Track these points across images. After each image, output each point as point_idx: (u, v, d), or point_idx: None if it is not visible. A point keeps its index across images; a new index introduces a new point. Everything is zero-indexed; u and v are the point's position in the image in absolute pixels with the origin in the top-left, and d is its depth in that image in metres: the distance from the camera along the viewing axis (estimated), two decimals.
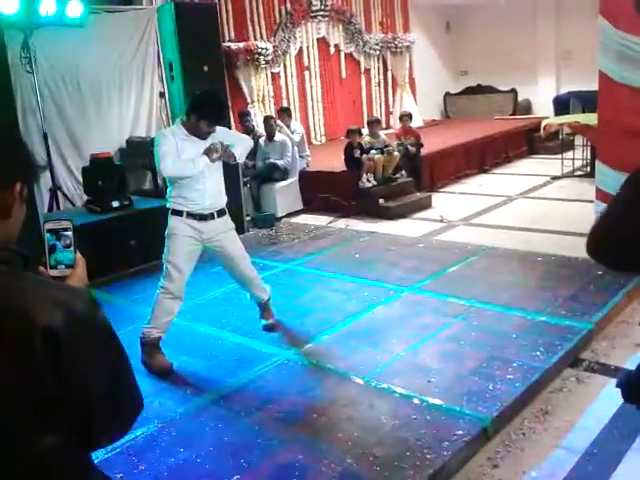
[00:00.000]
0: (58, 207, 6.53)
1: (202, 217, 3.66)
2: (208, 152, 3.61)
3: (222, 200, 3.79)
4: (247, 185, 7.45)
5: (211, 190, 3.67)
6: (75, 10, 6.02)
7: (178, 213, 3.65)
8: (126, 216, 5.75)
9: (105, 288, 5.16)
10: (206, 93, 3.74)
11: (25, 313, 0.97)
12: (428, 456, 2.67)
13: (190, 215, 3.64)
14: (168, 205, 3.72)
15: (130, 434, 2.98)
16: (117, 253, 5.51)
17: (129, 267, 5.57)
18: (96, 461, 2.74)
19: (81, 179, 6.59)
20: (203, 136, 3.63)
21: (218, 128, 3.70)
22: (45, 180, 6.46)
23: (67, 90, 6.82)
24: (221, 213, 3.76)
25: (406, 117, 8.50)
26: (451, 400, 3.07)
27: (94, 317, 1.06)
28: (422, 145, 8.22)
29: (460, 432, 2.82)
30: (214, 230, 3.73)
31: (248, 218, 7.07)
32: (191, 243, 3.68)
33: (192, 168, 3.55)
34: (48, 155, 6.48)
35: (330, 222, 7.18)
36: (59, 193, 6.59)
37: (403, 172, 7.75)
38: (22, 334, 0.95)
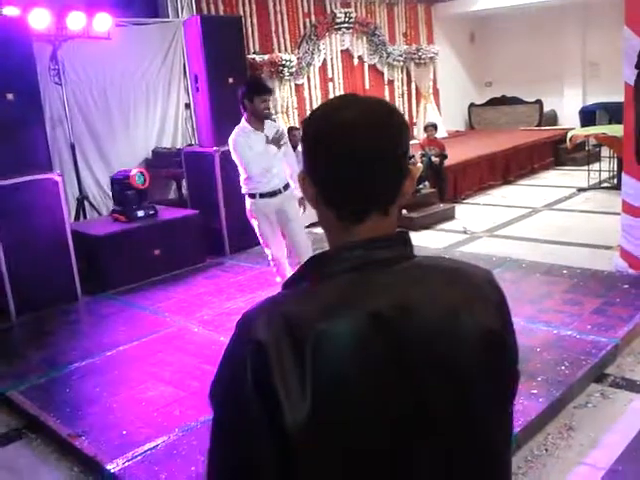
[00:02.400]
0: (85, 216, 6.65)
1: (273, 194, 4.28)
2: (274, 142, 4.19)
3: (285, 176, 4.39)
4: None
5: (277, 172, 4.29)
6: (102, 23, 6.14)
7: (253, 196, 4.28)
8: (151, 226, 5.82)
9: (129, 296, 5.22)
10: (245, 80, 4.48)
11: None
12: None
13: (263, 195, 4.27)
14: (244, 191, 4.35)
15: (151, 442, 3.01)
16: (141, 262, 5.58)
17: (153, 276, 5.62)
18: (116, 469, 2.77)
19: (107, 189, 6.72)
20: (263, 115, 4.24)
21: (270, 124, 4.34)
22: (72, 189, 6.58)
23: (94, 101, 6.95)
24: (286, 187, 4.37)
25: (431, 127, 8.48)
26: None
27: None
28: (446, 156, 8.19)
29: None
30: (282, 201, 4.34)
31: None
32: (268, 217, 4.34)
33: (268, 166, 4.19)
34: (75, 165, 6.60)
35: None
36: (86, 202, 6.70)
37: (426, 183, 7.72)
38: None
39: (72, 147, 6.54)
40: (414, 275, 0.91)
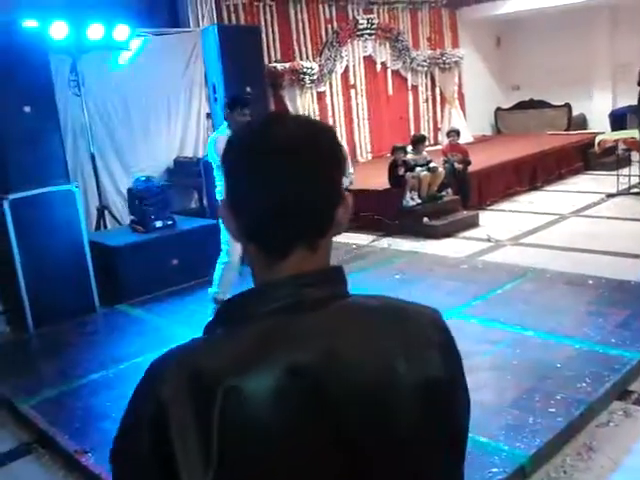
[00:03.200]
0: (105, 226, 6.68)
1: None
2: None
3: None
4: None
5: None
6: (122, 34, 6.18)
7: None
8: (169, 236, 5.81)
9: (146, 307, 5.21)
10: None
11: None
12: None
13: None
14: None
15: None
16: (159, 272, 5.57)
17: (170, 286, 5.61)
18: None
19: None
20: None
21: None
22: (93, 199, 6.62)
23: (115, 111, 6.99)
24: None
25: (453, 133, 8.35)
26: (487, 434, 2.91)
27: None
28: (470, 162, 8.04)
29: (495, 469, 2.67)
30: None
31: None
32: None
33: None
34: (96, 175, 6.64)
35: (372, 241, 7.08)
36: (106, 212, 6.74)
37: (449, 190, 7.59)
38: None
39: (92, 157, 6.58)
40: (345, 318, 0.80)
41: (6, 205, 4.70)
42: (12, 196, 4.73)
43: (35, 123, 4.83)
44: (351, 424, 0.74)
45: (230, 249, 4.60)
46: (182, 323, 4.79)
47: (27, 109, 4.80)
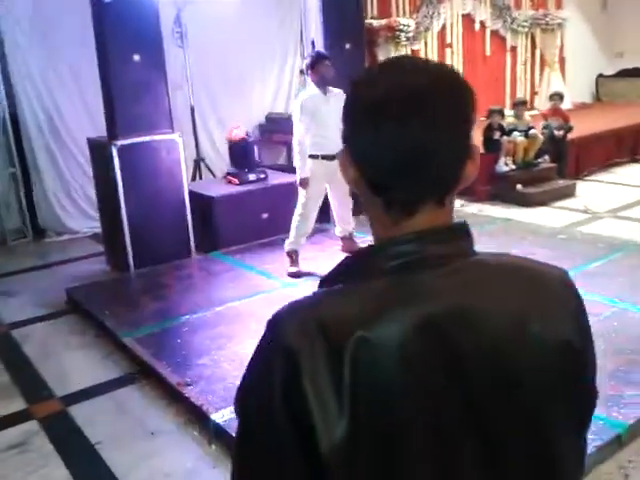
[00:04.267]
0: (200, 177, 6.89)
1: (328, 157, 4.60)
2: None
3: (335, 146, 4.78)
4: None
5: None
6: None
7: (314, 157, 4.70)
8: (261, 190, 5.93)
9: (237, 256, 5.37)
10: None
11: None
12: None
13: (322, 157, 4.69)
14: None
15: None
16: (250, 224, 5.71)
17: (260, 238, 5.74)
18: (221, 420, 2.86)
19: (222, 152, 6.91)
20: (329, 81, 4.66)
21: (338, 92, 4.67)
22: (190, 152, 6.82)
23: (214, 64, 7.10)
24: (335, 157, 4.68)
25: (557, 97, 7.96)
26: None
27: None
28: (571, 128, 7.67)
29: (592, 436, 2.64)
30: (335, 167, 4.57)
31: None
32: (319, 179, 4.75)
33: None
34: (194, 128, 6.83)
35: (461, 206, 6.94)
36: (202, 164, 6.94)
37: (546, 157, 7.31)
38: None
39: (192, 110, 6.75)
40: (474, 275, 0.78)
41: (114, 151, 4.92)
42: (120, 142, 4.95)
43: (143, 72, 4.99)
44: (480, 381, 0.73)
45: (305, 202, 4.79)
46: (271, 273, 4.93)
47: (136, 58, 4.96)
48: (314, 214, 4.91)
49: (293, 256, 4.93)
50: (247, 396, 0.78)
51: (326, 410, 0.68)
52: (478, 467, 0.73)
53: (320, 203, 4.95)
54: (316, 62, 4.70)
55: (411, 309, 0.73)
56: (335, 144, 4.68)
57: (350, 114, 0.80)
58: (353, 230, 5.17)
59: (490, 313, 0.75)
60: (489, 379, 0.73)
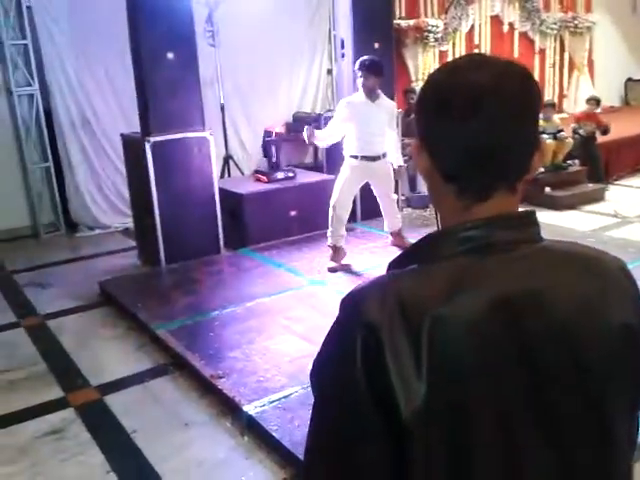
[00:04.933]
0: (229, 174, 6.96)
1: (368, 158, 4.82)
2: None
3: (377, 148, 4.86)
4: (406, 164, 7.39)
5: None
6: None
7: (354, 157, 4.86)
8: (289, 188, 5.98)
9: (266, 253, 5.42)
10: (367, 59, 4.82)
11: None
12: None
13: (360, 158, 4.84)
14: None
15: (285, 390, 3.14)
16: (279, 222, 5.76)
17: (288, 236, 5.78)
18: (254, 412, 2.92)
19: (250, 150, 6.98)
20: (374, 94, 4.78)
21: (387, 103, 4.89)
22: (219, 149, 6.89)
23: (244, 63, 7.17)
24: (376, 158, 4.85)
25: (593, 101, 7.88)
26: None
27: None
28: (608, 130, 7.57)
29: None
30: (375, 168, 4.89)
31: (403, 197, 7.03)
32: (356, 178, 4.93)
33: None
34: (223, 126, 6.89)
35: None
36: (230, 162, 7.01)
37: (576, 160, 7.26)
38: None
39: (222, 108, 6.82)
40: (542, 261, 0.82)
41: (147, 147, 5.00)
42: (153, 138, 5.02)
43: (177, 70, 5.05)
44: (548, 357, 0.77)
45: (338, 197, 4.89)
46: (299, 270, 4.96)
47: (170, 55, 5.03)
48: (348, 204, 4.97)
49: (334, 250, 5.00)
50: (326, 368, 0.81)
51: (406, 380, 0.73)
52: (541, 446, 0.77)
53: (353, 197, 5.10)
54: (368, 73, 4.71)
55: (483, 290, 0.77)
56: (378, 147, 4.80)
57: (425, 109, 0.85)
58: (401, 225, 5.37)
59: (558, 297, 0.79)
60: (556, 355, 0.78)
